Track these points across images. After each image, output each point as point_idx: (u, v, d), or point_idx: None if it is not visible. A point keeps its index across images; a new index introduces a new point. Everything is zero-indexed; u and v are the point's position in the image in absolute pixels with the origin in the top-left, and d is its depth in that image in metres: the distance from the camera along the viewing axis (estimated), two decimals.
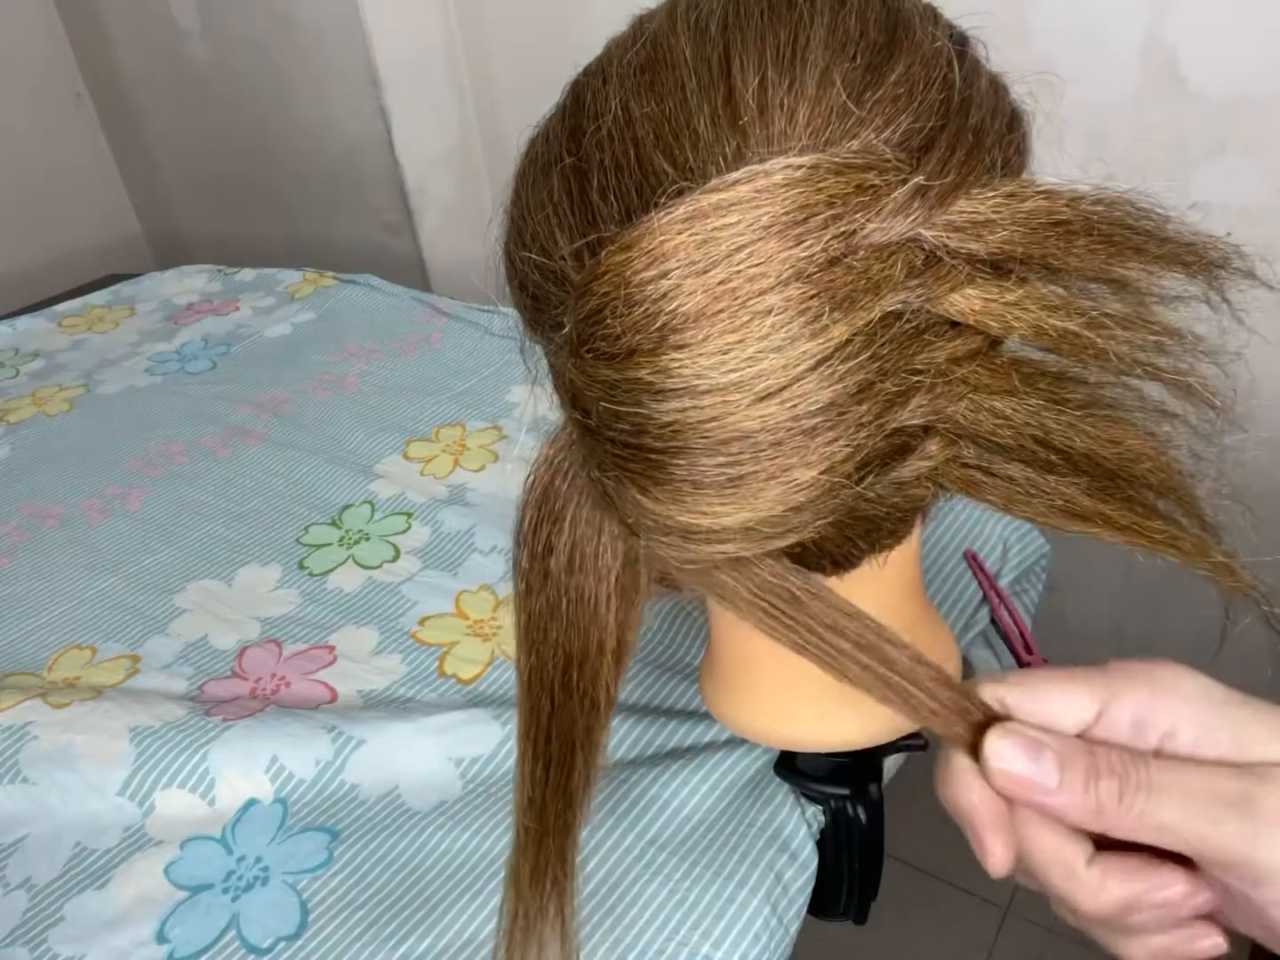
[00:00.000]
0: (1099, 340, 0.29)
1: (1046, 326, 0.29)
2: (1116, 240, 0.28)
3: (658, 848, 0.55)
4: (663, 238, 0.27)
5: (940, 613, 0.64)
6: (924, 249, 0.29)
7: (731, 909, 0.51)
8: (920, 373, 0.30)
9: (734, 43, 0.31)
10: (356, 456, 0.99)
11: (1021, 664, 0.68)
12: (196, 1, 1.61)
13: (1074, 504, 0.32)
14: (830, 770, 0.53)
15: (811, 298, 0.27)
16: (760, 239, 0.27)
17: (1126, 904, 0.28)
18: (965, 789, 0.30)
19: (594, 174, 0.31)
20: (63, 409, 1.16)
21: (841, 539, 0.37)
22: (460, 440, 1.00)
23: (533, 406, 0.37)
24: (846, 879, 0.55)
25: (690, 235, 0.27)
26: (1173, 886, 0.27)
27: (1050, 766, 0.28)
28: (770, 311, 0.27)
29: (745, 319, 0.27)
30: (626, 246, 0.28)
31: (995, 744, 0.29)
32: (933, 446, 0.33)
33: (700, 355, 0.27)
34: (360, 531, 0.88)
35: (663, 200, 0.28)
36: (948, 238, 0.28)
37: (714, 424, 0.28)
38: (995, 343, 0.32)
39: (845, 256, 0.27)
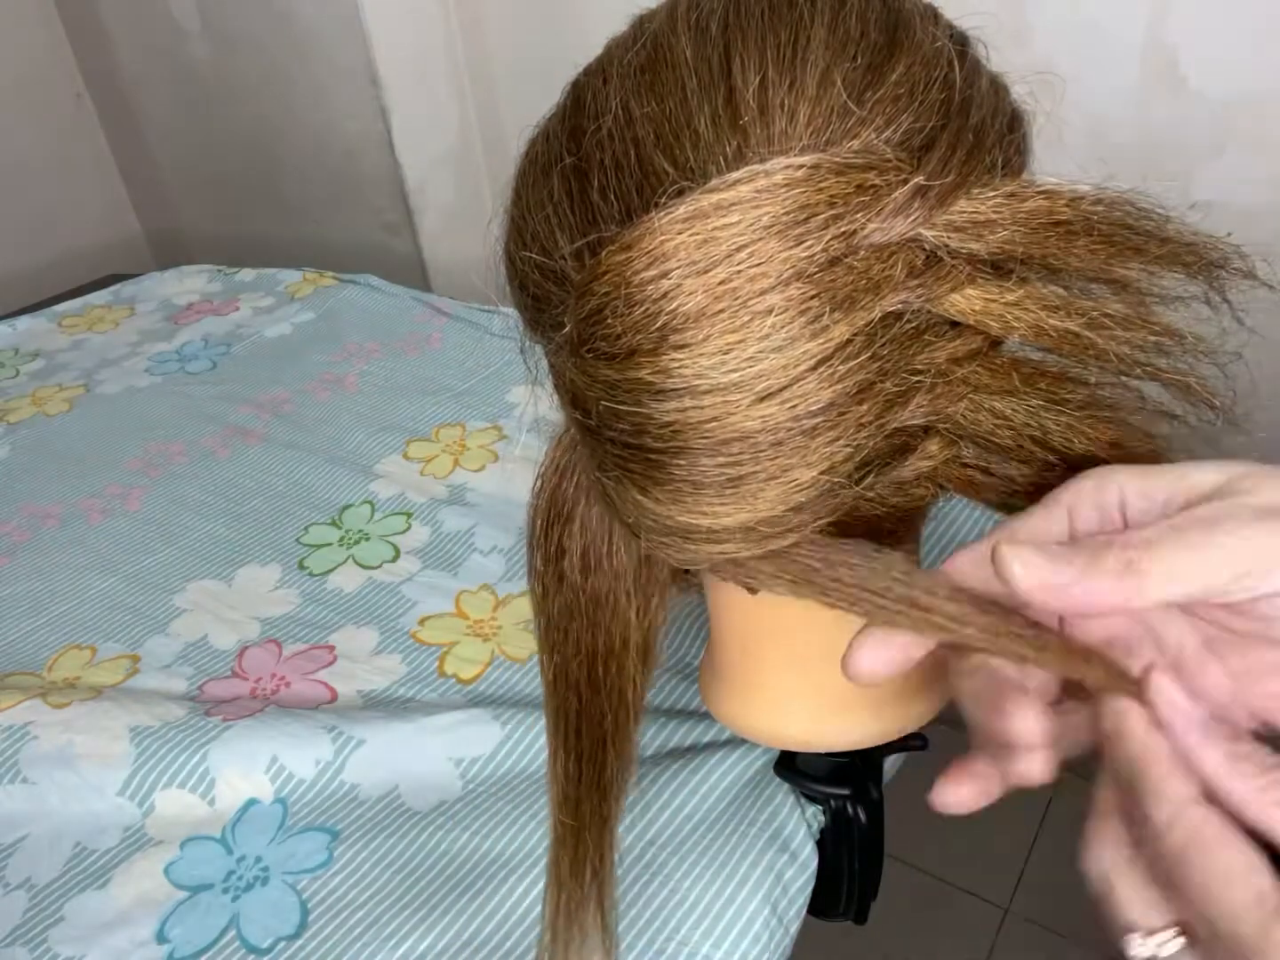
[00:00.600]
0: (1099, 340, 0.29)
1: (1047, 327, 0.29)
2: (1117, 240, 0.28)
3: (658, 848, 0.55)
4: (663, 237, 0.27)
5: None
6: (924, 249, 0.29)
7: (731, 909, 0.51)
8: (921, 373, 0.30)
9: (734, 42, 0.31)
10: (356, 456, 0.99)
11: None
12: (196, 1, 1.61)
13: None
14: (830, 770, 0.53)
15: (812, 298, 0.27)
16: (761, 239, 0.27)
17: None
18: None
19: (594, 174, 0.31)
20: (63, 409, 1.16)
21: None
22: (460, 440, 1.00)
23: (533, 407, 0.37)
24: (846, 879, 0.55)
25: (691, 235, 0.27)
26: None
27: (1065, 560, 0.27)
28: (771, 311, 0.27)
29: (746, 319, 0.27)
30: (627, 246, 0.28)
31: (1004, 550, 0.27)
32: (933, 446, 0.33)
33: (701, 355, 0.27)
34: (360, 531, 0.88)
35: (663, 200, 0.28)
36: (948, 238, 0.28)
37: (714, 424, 0.28)
38: (996, 343, 0.32)
39: (846, 256, 0.27)
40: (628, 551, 0.36)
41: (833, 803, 0.54)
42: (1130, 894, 0.28)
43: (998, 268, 0.29)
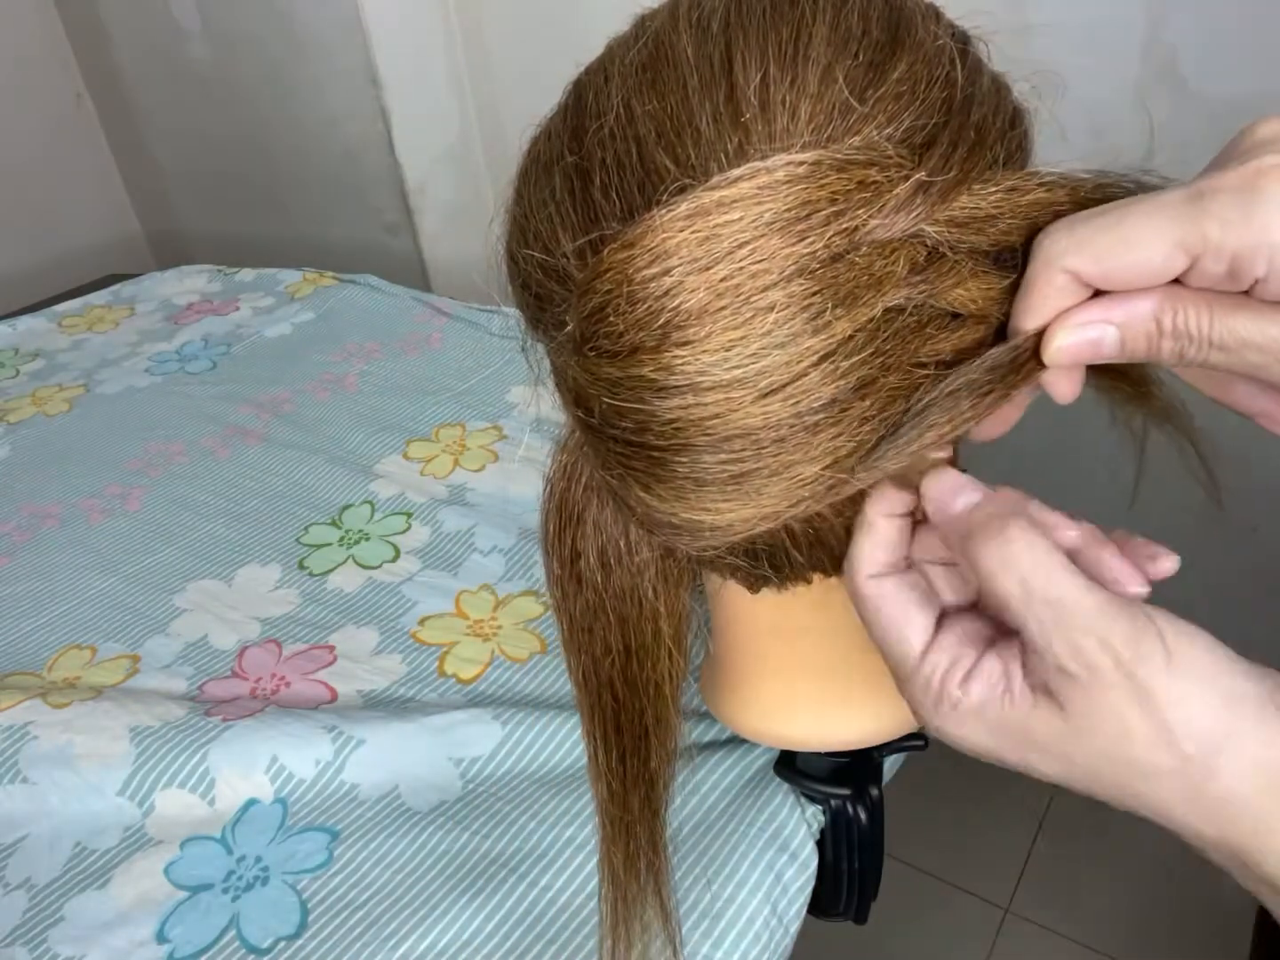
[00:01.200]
0: None
1: None
2: None
3: None
4: (665, 235, 0.27)
5: None
6: (926, 244, 0.29)
7: (731, 909, 0.51)
8: (924, 365, 0.30)
9: (736, 40, 0.31)
10: (356, 456, 0.99)
11: None
12: (196, 1, 1.61)
13: None
14: (830, 770, 0.53)
15: (814, 294, 0.27)
16: (763, 235, 0.27)
17: None
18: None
19: (596, 172, 0.31)
20: (63, 409, 1.16)
21: (848, 536, 0.37)
22: (460, 440, 1.00)
23: (534, 407, 0.37)
24: (846, 879, 0.55)
25: (692, 232, 0.27)
26: None
27: (1111, 338, 0.28)
28: (773, 308, 0.27)
29: (748, 315, 0.27)
30: (629, 244, 0.28)
31: (1058, 336, 0.28)
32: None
33: (703, 352, 0.27)
34: (360, 531, 0.88)
35: (665, 198, 0.28)
36: (950, 233, 0.28)
37: (717, 421, 0.28)
38: (1000, 333, 0.32)
39: (848, 252, 0.27)
40: (649, 546, 0.36)
41: (833, 803, 0.54)
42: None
43: (999, 260, 0.29)
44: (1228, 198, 0.25)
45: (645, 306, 0.28)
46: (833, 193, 0.27)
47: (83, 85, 1.92)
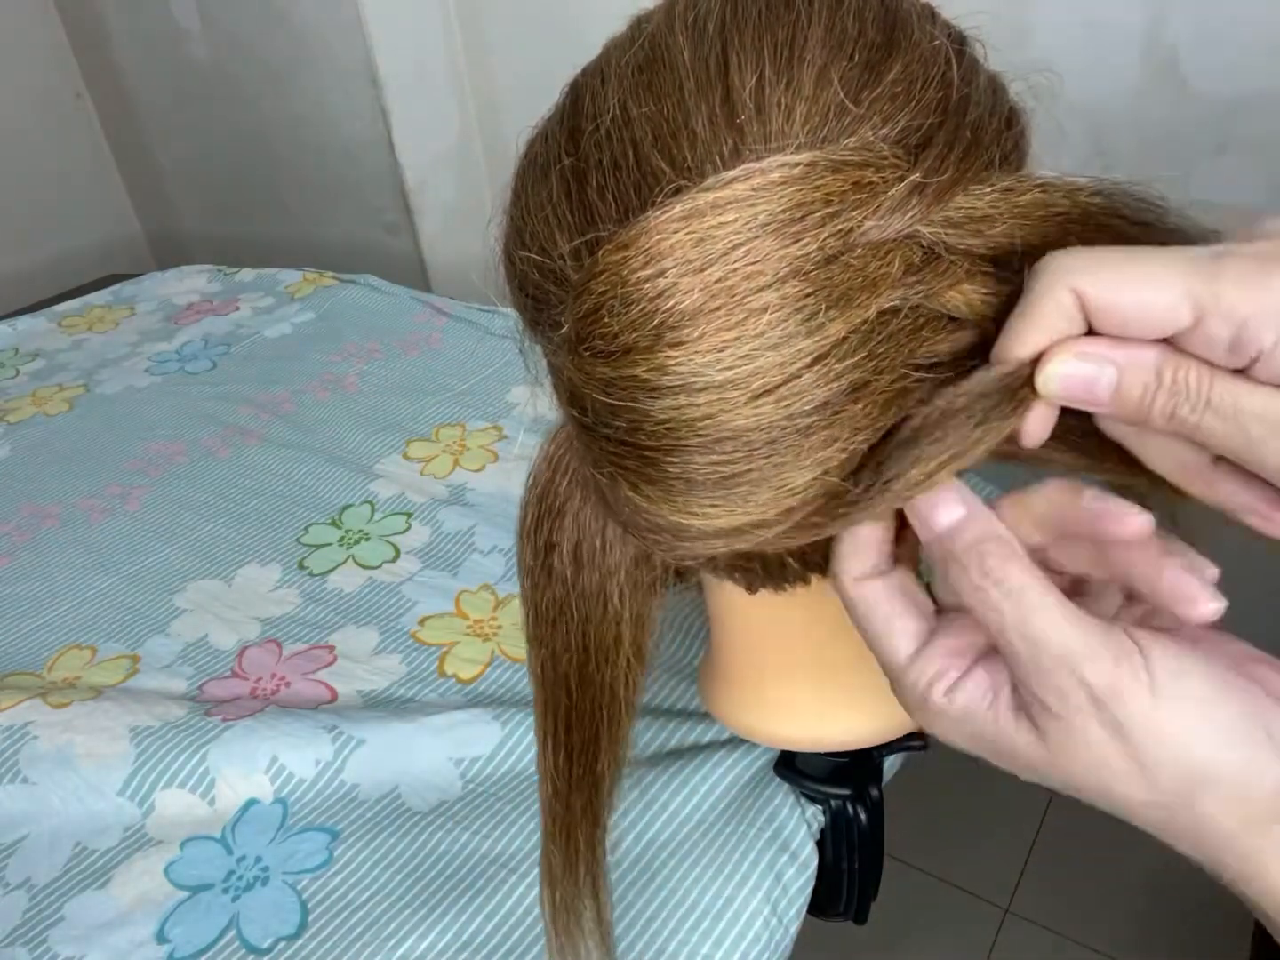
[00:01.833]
0: None
1: None
2: (1115, 232, 0.28)
3: (658, 848, 0.55)
4: (659, 236, 0.27)
5: None
6: (922, 245, 0.29)
7: (731, 909, 0.51)
8: (919, 367, 0.30)
9: (731, 42, 0.31)
10: (356, 456, 0.99)
11: None
12: (196, 1, 1.61)
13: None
14: (830, 770, 0.53)
15: (808, 295, 0.27)
16: (757, 237, 0.27)
17: None
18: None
19: (592, 174, 0.31)
20: (63, 409, 1.16)
21: None
22: (460, 440, 1.00)
23: (533, 406, 0.37)
24: (846, 879, 0.55)
25: (687, 234, 0.27)
26: None
27: (1107, 379, 0.27)
28: (766, 309, 0.27)
29: (741, 316, 0.27)
30: (624, 245, 0.28)
31: (1055, 363, 0.27)
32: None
33: (696, 353, 0.27)
34: (360, 531, 0.88)
35: (660, 199, 0.28)
36: (946, 234, 0.28)
37: (709, 422, 0.28)
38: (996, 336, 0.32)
39: (842, 254, 0.27)
40: (622, 549, 0.36)
41: (833, 803, 0.54)
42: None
43: (996, 262, 0.29)
44: (1248, 262, 0.25)
45: (639, 307, 0.28)
46: (827, 194, 0.27)
47: (83, 85, 1.92)
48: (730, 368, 0.27)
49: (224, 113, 1.71)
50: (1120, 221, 0.28)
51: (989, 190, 0.28)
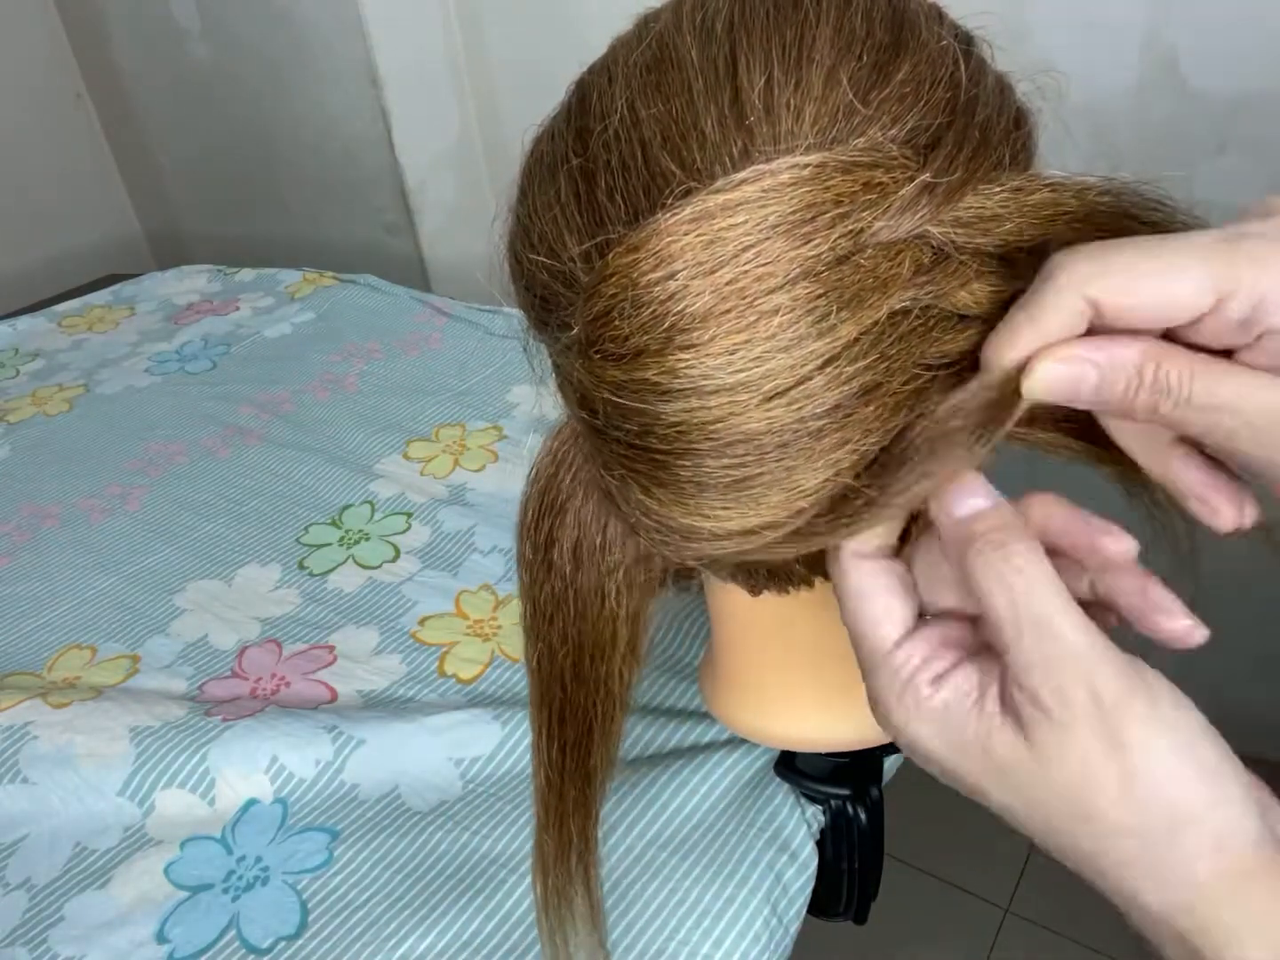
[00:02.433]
0: None
1: None
2: (1124, 231, 0.28)
3: (658, 848, 0.55)
4: (669, 239, 0.27)
5: None
6: (932, 245, 0.29)
7: (731, 909, 0.51)
8: (930, 368, 0.30)
9: (740, 43, 0.31)
10: (356, 456, 0.99)
11: None
12: (196, 1, 1.61)
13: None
14: (830, 770, 0.53)
15: (819, 297, 0.27)
16: (767, 238, 0.27)
17: None
18: None
19: (601, 175, 0.31)
20: (63, 409, 1.16)
21: None
22: (460, 440, 1.00)
23: (536, 407, 0.37)
24: (846, 879, 0.55)
25: (697, 236, 0.27)
26: None
27: (1091, 380, 0.27)
28: (777, 311, 0.27)
29: (752, 319, 0.27)
30: (634, 248, 0.28)
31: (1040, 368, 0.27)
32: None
33: (707, 356, 0.27)
34: (360, 531, 0.88)
35: (669, 201, 0.28)
36: (955, 234, 0.28)
37: (720, 425, 0.28)
38: None
39: (853, 255, 0.27)
40: (622, 548, 0.36)
41: (833, 803, 0.54)
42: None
43: (1005, 260, 0.29)
44: (1266, 243, 0.25)
45: (650, 310, 0.28)
46: (837, 195, 0.27)
47: (83, 85, 1.92)
48: (742, 370, 0.27)
49: (224, 112, 1.71)
50: (1129, 221, 0.29)
51: (998, 190, 0.28)
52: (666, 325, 0.27)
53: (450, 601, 0.78)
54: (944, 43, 0.31)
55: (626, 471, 0.30)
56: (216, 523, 0.91)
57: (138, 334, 1.35)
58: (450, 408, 1.07)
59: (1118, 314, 0.26)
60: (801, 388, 0.27)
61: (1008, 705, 0.28)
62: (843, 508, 0.29)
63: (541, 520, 0.37)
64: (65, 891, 0.58)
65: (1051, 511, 0.30)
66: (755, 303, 0.27)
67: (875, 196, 0.28)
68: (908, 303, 0.28)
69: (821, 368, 0.27)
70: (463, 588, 0.79)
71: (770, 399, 0.27)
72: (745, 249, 0.27)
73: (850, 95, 0.29)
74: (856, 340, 0.28)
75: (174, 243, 2.00)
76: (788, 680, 0.48)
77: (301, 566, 0.84)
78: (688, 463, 0.29)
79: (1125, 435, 0.31)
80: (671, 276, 0.27)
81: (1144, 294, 0.26)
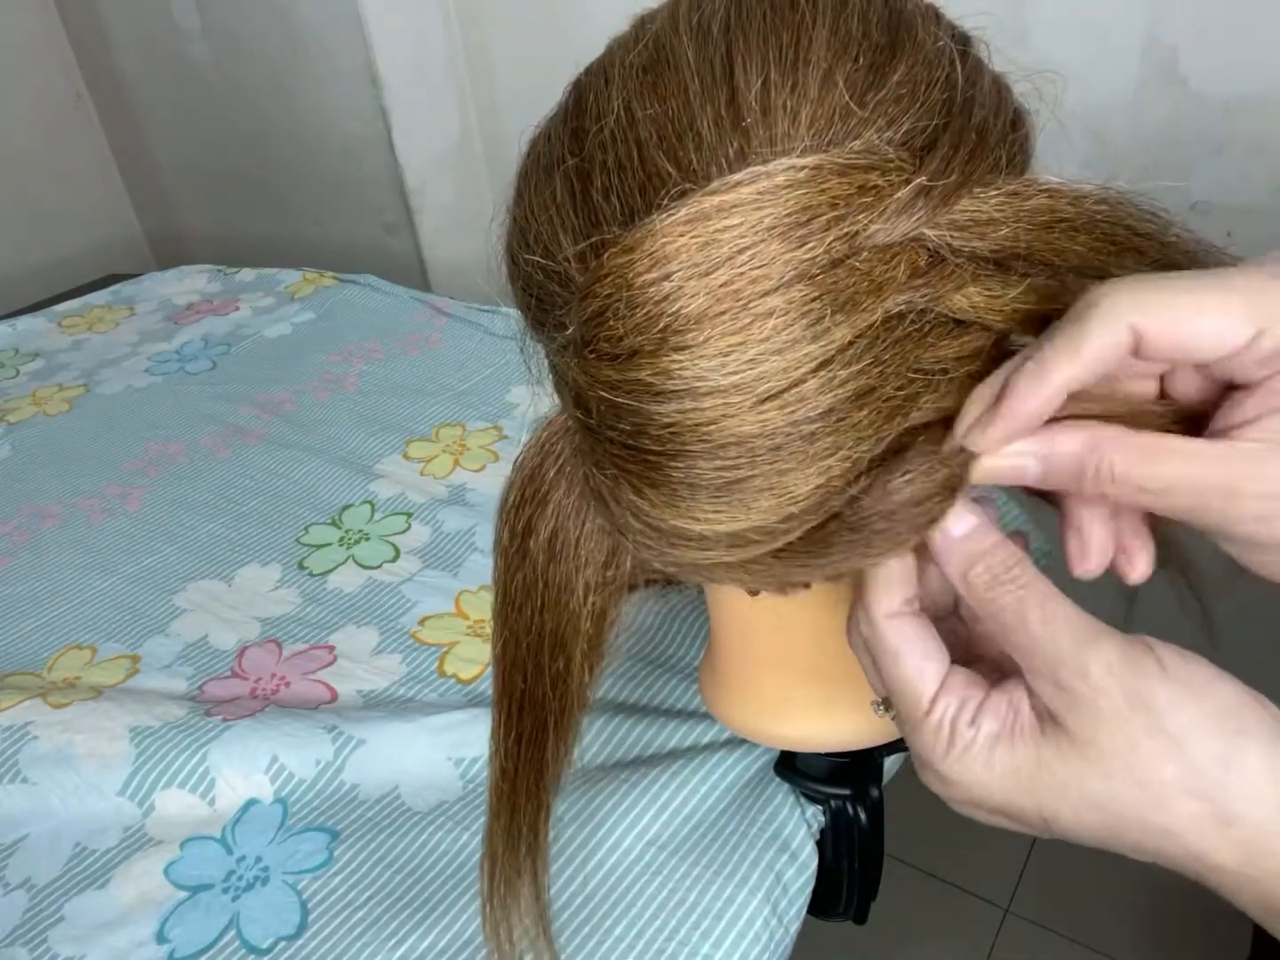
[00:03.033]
0: None
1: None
2: (1119, 240, 0.28)
3: (658, 848, 0.55)
4: (665, 240, 0.27)
5: None
6: (927, 249, 0.28)
7: (731, 909, 0.51)
8: (925, 372, 0.30)
9: (736, 44, 0.31)
10: (356, 456, 0.99)
11: None
12: (196, 1, 1.61)
13: None
14: (830, 770, 0.53)
15: (814, 299, 0.27)
16: (763, 240, 0.27)
17: None
18: None
19: (597, 175, 0.31)
20: (63, 409, 1.16)
21: None
22: (460, 440, 1.00)
23: (534, 407, 0.37)
24: (846, 879, 0.55)
25: (692, 237, 0.27)
26: None
27: (1033, 471, 0.29)
28: (772, 314, 0.27)
29: (746, 321, 0.27)
30: (629, 249, 0.28)
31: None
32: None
33: (701, 357, 0.27)
34: (360, 531, 0.88)
35: (665, 202, 0.28)
36: (951, 237, 0.28)
37: (713, 427, 0.28)
38: (1002, 339, 0.32)
39: (848, 257, 0.27)
40: (597, 544, 0.37)
41: (833, 803, 0.54)
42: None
43: (1000, 265, 0.29)
44: None
45: (644, 311, 0.27)
46: (833, 197, 0.27)
47: (83, 85, 1.92)
48: (735, 372, 0.27)
49: (224, 112, 1.71)
50: (1124, 231, 0.29)
51: (995, 193, 0.28)
52: (661, 326, 0.27)
53: (450, 601, 0.78)
54: (940, 44, 0.31)
55: (619, 471, 0.30)
56: (216, 523, 0.91)
57: (138, 334, 1.35)
58: (450, 408, 1.07)
59: (1159, 349, 0.27)
60: (795, 391, 0.27)
61: (1041, 712, 0.29)
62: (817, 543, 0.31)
63: (522, 508, 0.37)
64: (65, 891, 0.58)
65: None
66: (750, 305, 0.27)
67: (871, 199, 0.28)
68: (903, 306, 0.28)
69: (815, 371, 0.27)
70: (463, 588, 0.79)
71: (764, 401, 0.27)
72: (740, 251, 0.27)
73: (846, 97, 0.29)
74: (851, 344, 0.28)
75: (174, 243, 2.00)
76: (788, 680, 0.48)
77: (301, 566, 0.84)
78: (680, 464, 0.29)
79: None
80: (666, 277, 0.27)
81: (1182, 330, 0.27)
